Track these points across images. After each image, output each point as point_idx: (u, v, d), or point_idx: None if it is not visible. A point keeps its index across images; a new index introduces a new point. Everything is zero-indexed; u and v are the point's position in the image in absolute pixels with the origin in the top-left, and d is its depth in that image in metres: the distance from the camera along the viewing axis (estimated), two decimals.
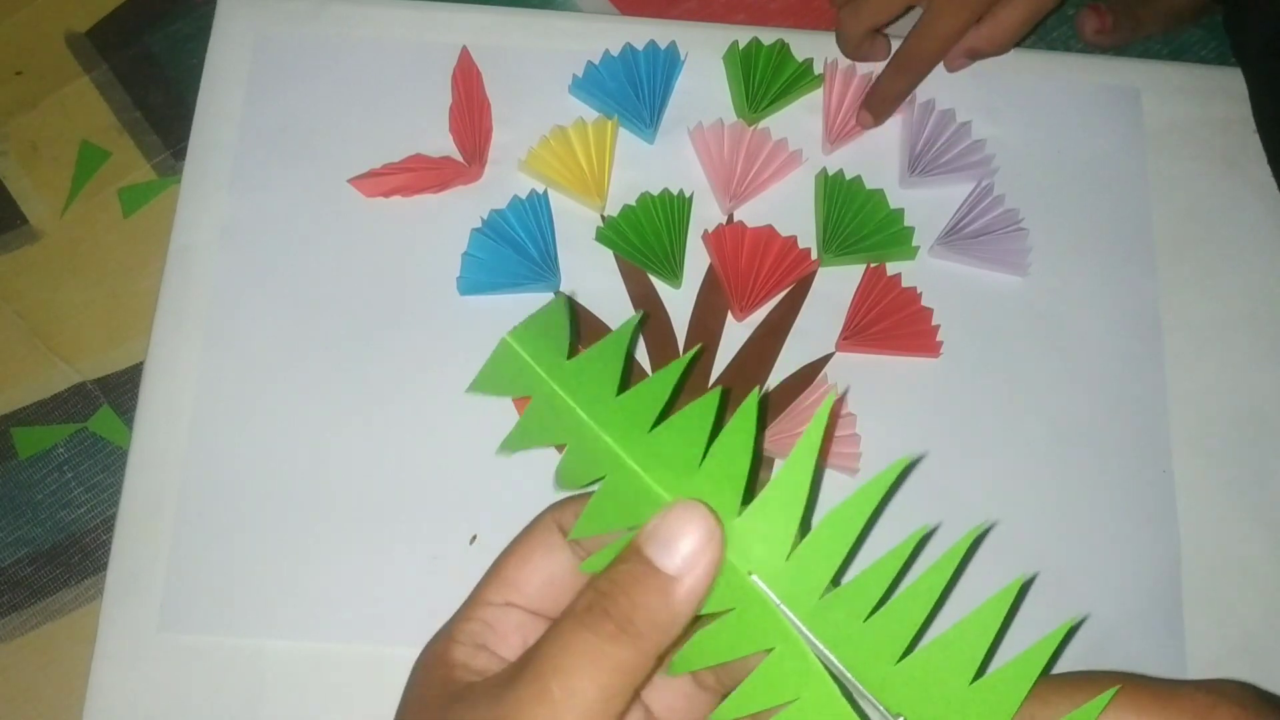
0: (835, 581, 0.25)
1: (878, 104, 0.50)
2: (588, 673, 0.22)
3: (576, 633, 0.23)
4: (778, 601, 0.25)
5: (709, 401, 0.24)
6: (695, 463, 0.25)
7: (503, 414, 0.46)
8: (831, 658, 0.24)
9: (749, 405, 0.24)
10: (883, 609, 0.25)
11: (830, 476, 0.46)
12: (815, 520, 0.25)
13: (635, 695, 0.23)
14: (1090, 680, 0.28)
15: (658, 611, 0.23)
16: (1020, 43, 0.52)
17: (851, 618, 0.25)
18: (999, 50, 0.50)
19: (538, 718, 0.22)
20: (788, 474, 0.25)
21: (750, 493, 0.25)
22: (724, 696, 0.27)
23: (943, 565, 0.25)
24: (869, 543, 0.39)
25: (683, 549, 0.23)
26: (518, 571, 0.27)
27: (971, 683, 0.25)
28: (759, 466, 0.36)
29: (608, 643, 0.23)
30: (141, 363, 0.48)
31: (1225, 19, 0.54)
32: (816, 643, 0.24)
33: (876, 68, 0.52)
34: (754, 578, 0.24)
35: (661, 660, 0.24)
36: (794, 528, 0.25)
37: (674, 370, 0.24)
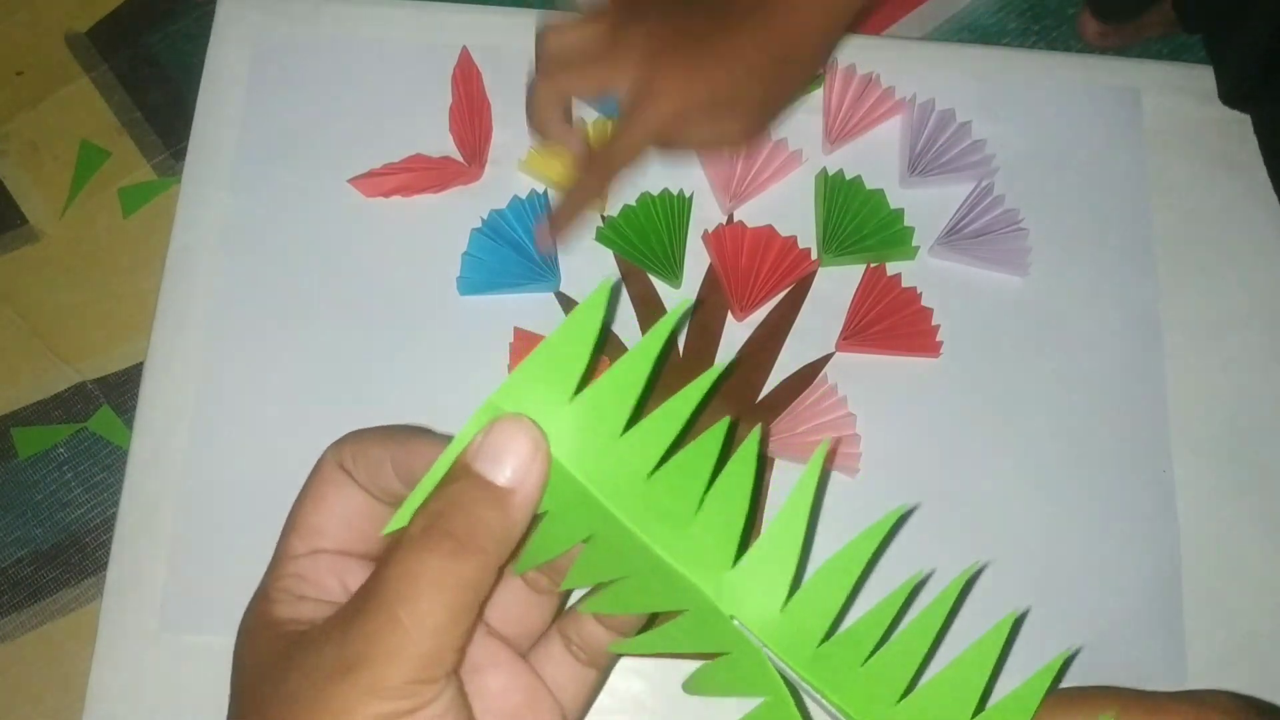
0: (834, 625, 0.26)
1: (565, 215, 0.46)
2: (434, 594, 0.22)
3: (417, 555, 0.23)
4: (771, 654, 0.25)
5: (710, 444, 0.24)
6: (691, 513, 0.25)
7: None
8: (826, 705, 0.25)
9: (748, 449, 0.24)
10: (880, 652, 0.25)
11: (831, 477, 0.46)
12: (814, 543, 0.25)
13: (481, 610, 0.24)
14: (1083, 698, 0.28)
15: (496, 525, 0.23)
16: (1024, 43, 0.51)
17: (849, 663, 0.25)
18: (676, 151, 0.46)
19: (389, 646, 0.22)
20: (782, 524, 0.25)
21: (748, 535, 0.25)
22: (560, 599, 0.29)
23: (936, 609, 0.25)
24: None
25: (512, 462, 0.23)
26: (314, 517, 0.27)
27: (972, 718, 0.25)
28: (759, 511, 0.36)
29: (450, 560, 0.23)
30: (141, 363, 0.47)
31: (1241, 74, 0.53)
32: (810, 691, 0.25)
33: (867, 59, 0.52)
34: (739, 624, 0.25)
35: (502, 572, 0.24)
36: (789, 579, 0.25)
37: (678, 415, 0.24)
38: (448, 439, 0.24)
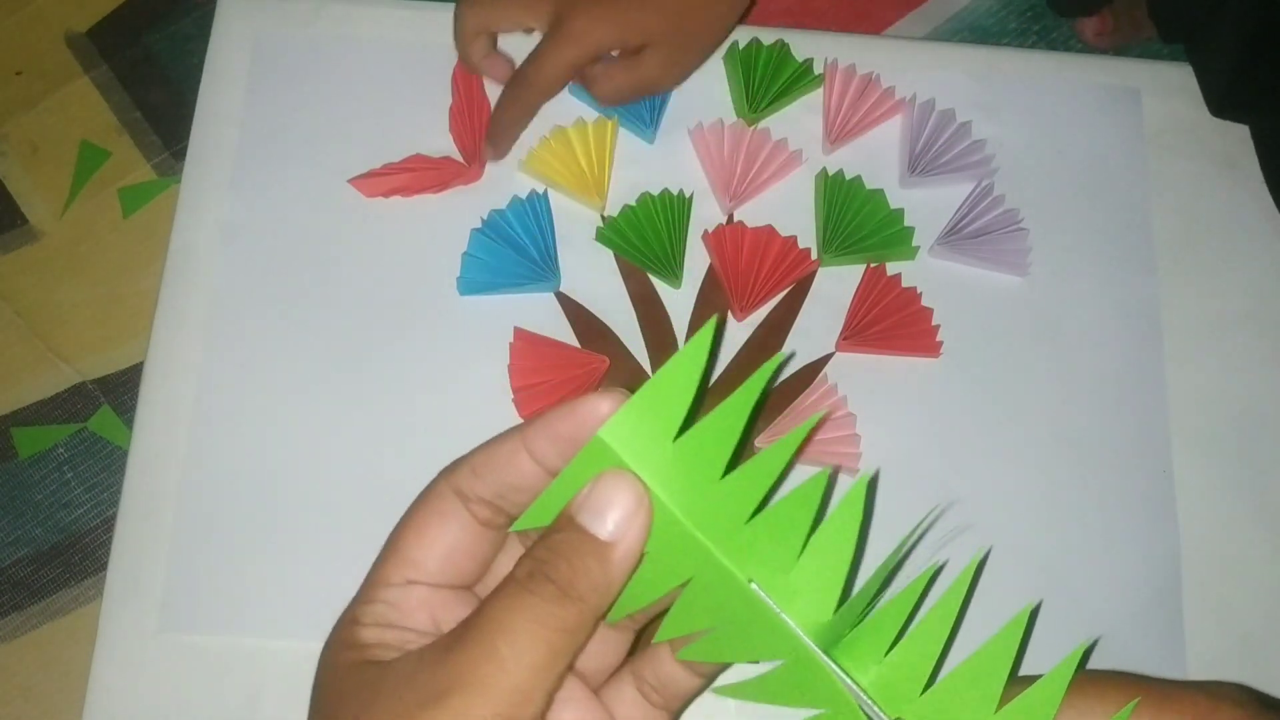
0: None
1: (495, 134, 0.49)
2: (534, 632, 0.23)
3: (521, 596, 0.24)
4: (813, 646, 0.25)
5: (813, 490, 0.24)
6: (792, 560, 0.25)
7: (502, 414, 0.46)
8: (862, 695, 0.25)
9: (854, 498, 0.25)
10: (900, 643, 0.26)
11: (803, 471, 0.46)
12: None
13: (574, 661, 0.24)
14: (1094, 683, 0.28)
15: (596, 575, 0.24)
16: (1024, 43, 0.51)
17: (873, 653, 0.26)
18: (605, 101, 0.49)
19: (485, 676, 0.23)
20: (831, 534, 0.25)
21: (851, 584, 0.26)
22: (635, 633, 0.29)
23: (951, 597, 0.26)
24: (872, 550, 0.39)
25: (615, 517, 0.24)
26: (416, 547, 0.27)
27: (996, 712, 0.25)
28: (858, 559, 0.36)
29: (552, 604, 0.24)
30: (141, 363, 0.47)
31: (1234, 75, 0.53)
32: (845, 679, 0.25)
33: (867, 59, 0.52)
34: (838, 672, 0.25)
35: (599, 622, 0.25)
36: (839, 587, 0.26)
37: (782, 453, 0.24)
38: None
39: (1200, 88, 0.53)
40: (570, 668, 0.24)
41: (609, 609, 0.25)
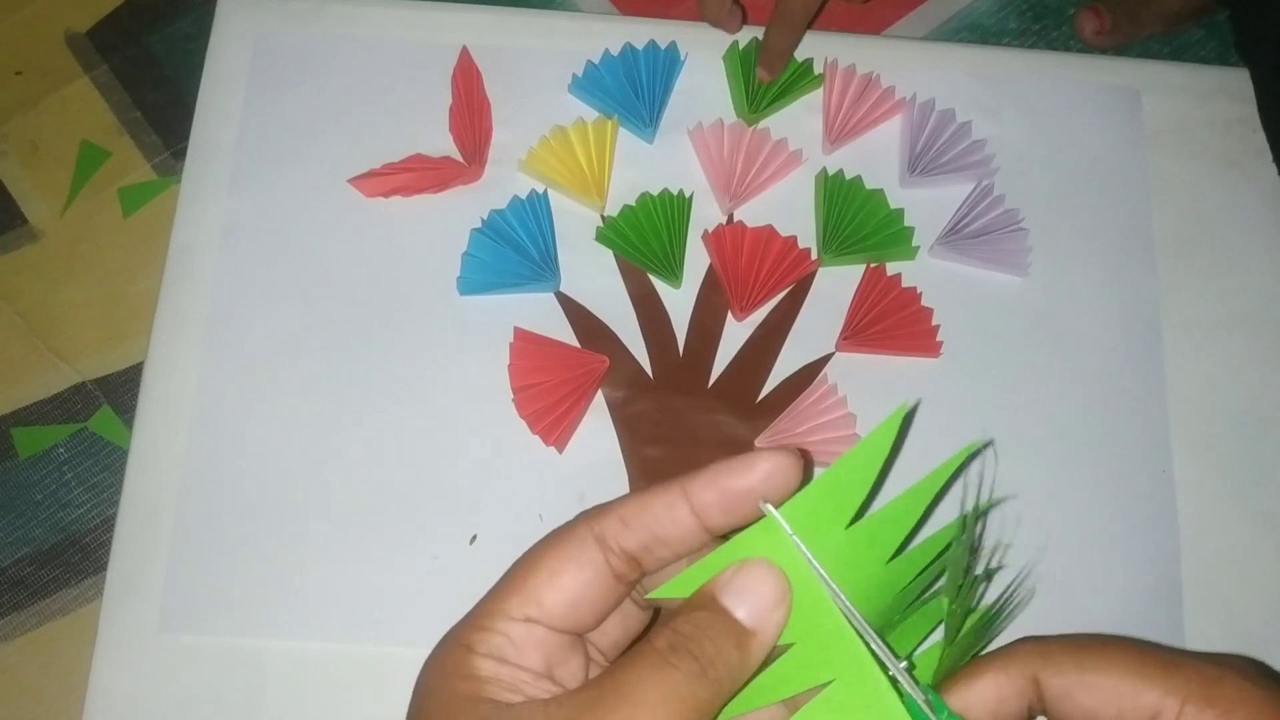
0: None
1: (772, 60, 0.51)
2: (671, 705, 0.24)
3: (663, 670, 0.24)
4: (828, 582, 0.26)
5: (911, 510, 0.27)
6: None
7: (502, 413, 0.46)
8: (873, 635, 0.26)
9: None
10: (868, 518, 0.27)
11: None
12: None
13: None
14: (1096, 642, 0.29)
15: (735, 660, 0.25)
16: (1024, 43, 0.51)
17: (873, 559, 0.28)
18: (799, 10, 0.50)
19: None
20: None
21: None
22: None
23: (934, 478, 0.29)
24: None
25: (760, 605, 0.25)
26: (546, 589, 0.26)
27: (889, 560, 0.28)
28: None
29: (691, 681, 0.24)
30: (141, 363, 0.48)
31: (1232, 15, 0.54)
32: (860, 620, 0.26)
33: (867, 59, 0.52)
34: (770, 509, 0.26)
35: (724, 708, 0.25)
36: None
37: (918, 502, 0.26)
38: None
39: (1238, 41, 0.53)
40: None
41: (740, 689, 0.25)
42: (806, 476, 0.26)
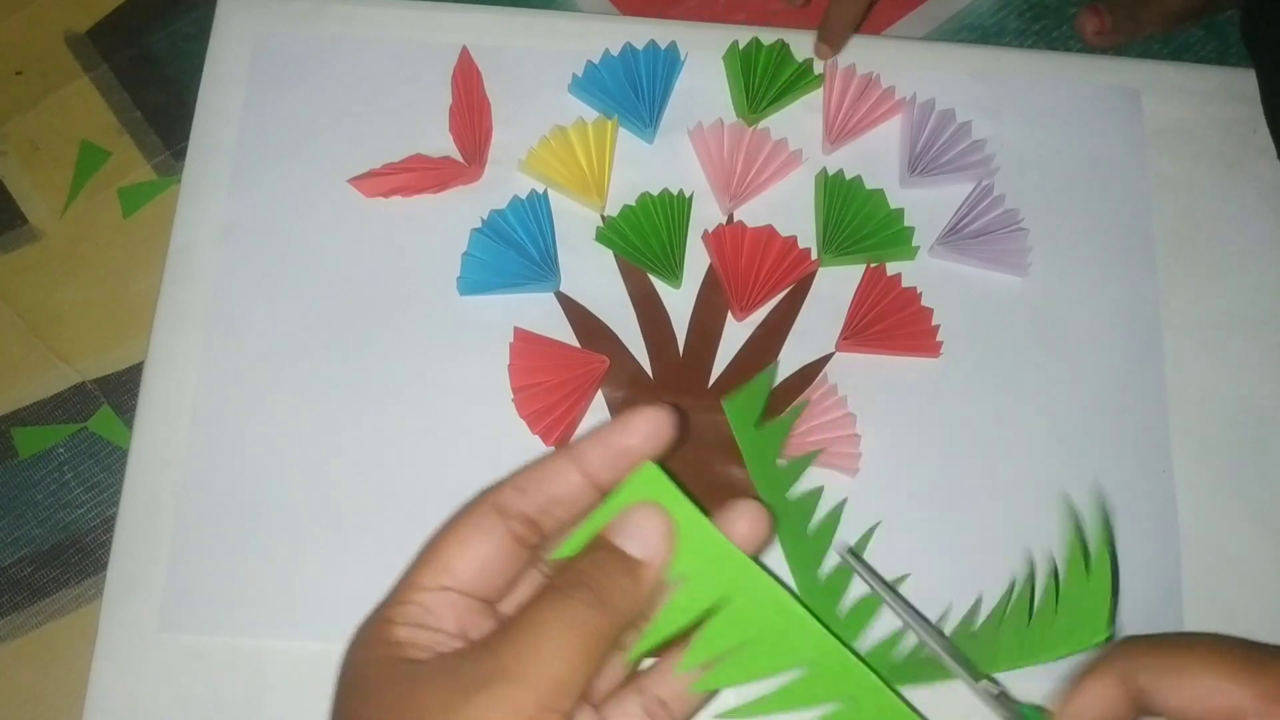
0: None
1: (833, 34, 0.51)
2: (571, 633, 0.26)
3: (562, 602, 0.26)
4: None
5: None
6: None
7: (502, 413, 0.46)
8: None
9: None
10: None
11: (830, 476, 0.46)
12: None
13: (599, 668, 0.27)
14: (1184, 641, 0.31)
15: (628, 589, 0.27)
16: (1024, 43, 0.51)
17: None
18: None
19: (530, 669, 0.25)
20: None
21: None
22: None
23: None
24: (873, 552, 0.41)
25: (647, 538, 0.28)
26: (455, 556, 0.28)
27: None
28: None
29: (588, 609, 0.26)
30: (141, 363, 0.47)
31: (1244, 10, 0.54)
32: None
33: (867, 59, 0.52)
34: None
35: (624, 633, 0.27)
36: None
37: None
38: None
39: (1245, 34, 0.54)
40: (596, 674, 0.26)
41: (634, 623, 0.28)
42: (683, 431, 0.29)
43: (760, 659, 0.29)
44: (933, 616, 0.44)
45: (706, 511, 0.28)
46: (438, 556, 0.28)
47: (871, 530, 0.45)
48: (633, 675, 0.31)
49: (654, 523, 0.28)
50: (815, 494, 0.44)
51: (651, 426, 0.28)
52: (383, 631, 0.27)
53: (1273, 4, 0.52)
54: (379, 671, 0.26)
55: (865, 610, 0.43)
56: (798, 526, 0.44)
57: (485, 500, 0.28)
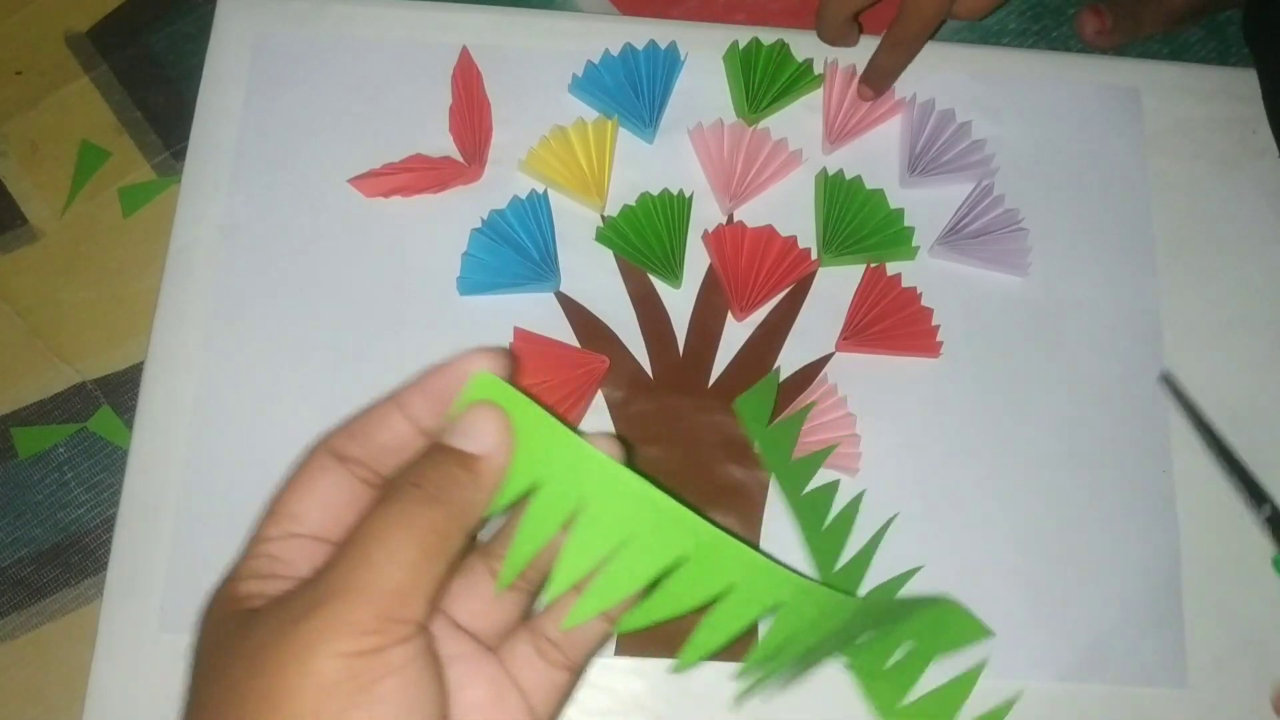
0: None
1: (877, 79, 0.51)
2: (404, 532, 0.24)
3: (388, 504, 0.25)
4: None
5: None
6: None
7: None
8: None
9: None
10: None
11: (831, 476, 0.46)
12: None
13: (451, 567, 0.25)
14: None
15: (465, 482, 0.25)
16: (1024, 43, 0.51)
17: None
18: (976, 17, 0.50)
19: (363, 580, 0.23)
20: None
21: None
22: (530, 595, 0.31)
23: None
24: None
25: (481, 432, 0.26)
26: (295, 502, 0.27)
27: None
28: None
29: (420, 506, 0.24)
30: (141, 363, 0.48)
31: (1246, 10, 0.54)
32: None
33: (867, 59, 0.52)
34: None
35: (471, 537, 0.26)
36: None
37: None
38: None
39: (1247, 32, 0.54)
40: (447, 574, 0.25)
41: (478, 518, 0.26)
42: (514, 376, 0.27)
43: (634, 565, 0.27)
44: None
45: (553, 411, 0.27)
46: (280, 507, 0.27)
47: (890, 522, 0.45)
48: (526, 621, 0.30)
49: (487, 418, 0.26)
50: (831, 487, 0.45)
51: (475, 369, 0.27)
52: (227, 592, 0.26)
53: (1274, 3, 0.52)
54: (219, 629, 0.25)
55: (877, 604, 0.43)
56: (815, 522, 0.44)
57: (320, 447, 0.27)
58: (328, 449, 0.27)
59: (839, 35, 0.52)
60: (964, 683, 0.41)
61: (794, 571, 0.28)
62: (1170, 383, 0.42)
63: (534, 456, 0.26)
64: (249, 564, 0.26)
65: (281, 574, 0.26)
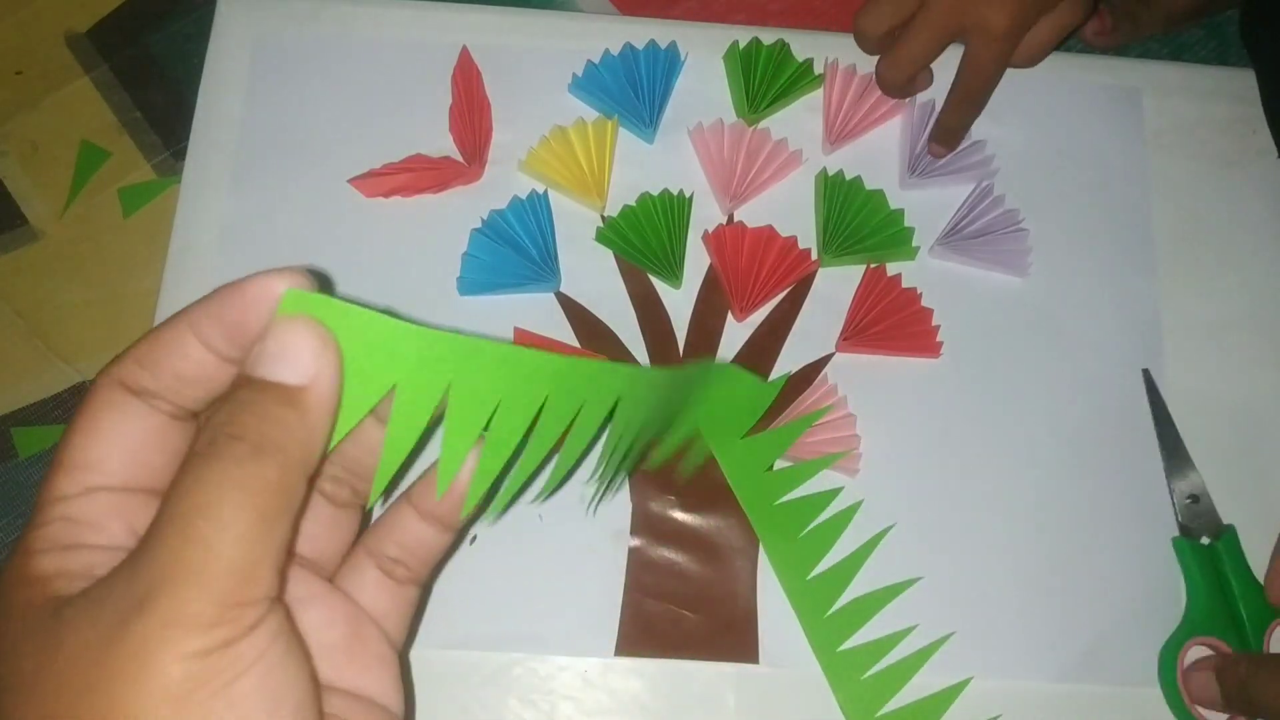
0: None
1: (948, 137, 0.51)
2: (235, 498, 0.19)
3: (208, 465, 0.20)
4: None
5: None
6: None
7: None
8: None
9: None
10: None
11: (830, 477, 0.46)
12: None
13: (295, 525, 0.21)
14: None
15: (292, 422, 0.21)
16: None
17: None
18: (1031, 64, 0.51)
19: (193, 564, 0.19)
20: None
21: None
22: (360, 514, 0.27)
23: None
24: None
25: (297, 355, 0.21)
26: (90, 448, 0.22)
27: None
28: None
29: (248, 464, 0.20)
30: None
31: (1243, 11, 0.54)
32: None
33: (867, 59, 0.52)
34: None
35: (311, 480, 0.21)
36: None
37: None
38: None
39: (1245, 35, 0.54)
40: (292, 533, 0.21)
41: (317, 460, 0.22)
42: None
43: (510, 421, 0.25)
44: (935, 620, 0.44)
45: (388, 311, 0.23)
46: (69, 455, 0.22)
47: (884, 533, 0.46)
48: (360, 539, 0.27)
49: (302, 336, 0.21)
50: (826, 496, 0.45)
51: (277, 288, 0.21)
52: (23, 566, 0.21)
53: (1272, 4, 0.52)
54: (19, 623, 0.20)
55: (857, 612, 0.44)
56: (787, 531, 0.44)
57: (105, 379, 0.22)
58: (116, 380, 0.22)
59: (907, 90, 0.52)
60: (945, 698, 0.43)
61: (625, 365, 0.28)
62: (1147, 378, 0.43)
63: (372, 365, 0.22)
64: (44, 532, 0.21)
65: (89, 541, 0.21)
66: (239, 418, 0.20)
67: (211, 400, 0.23)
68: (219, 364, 0.22)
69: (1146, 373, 0.48)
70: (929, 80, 0.52)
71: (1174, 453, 0.47)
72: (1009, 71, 0.53)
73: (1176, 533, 0.47)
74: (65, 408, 0.49)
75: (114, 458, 0.22)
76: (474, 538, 0.45)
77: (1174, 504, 0.47)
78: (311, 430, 0.21)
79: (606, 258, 0.50)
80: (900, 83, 0.50)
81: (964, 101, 0.50)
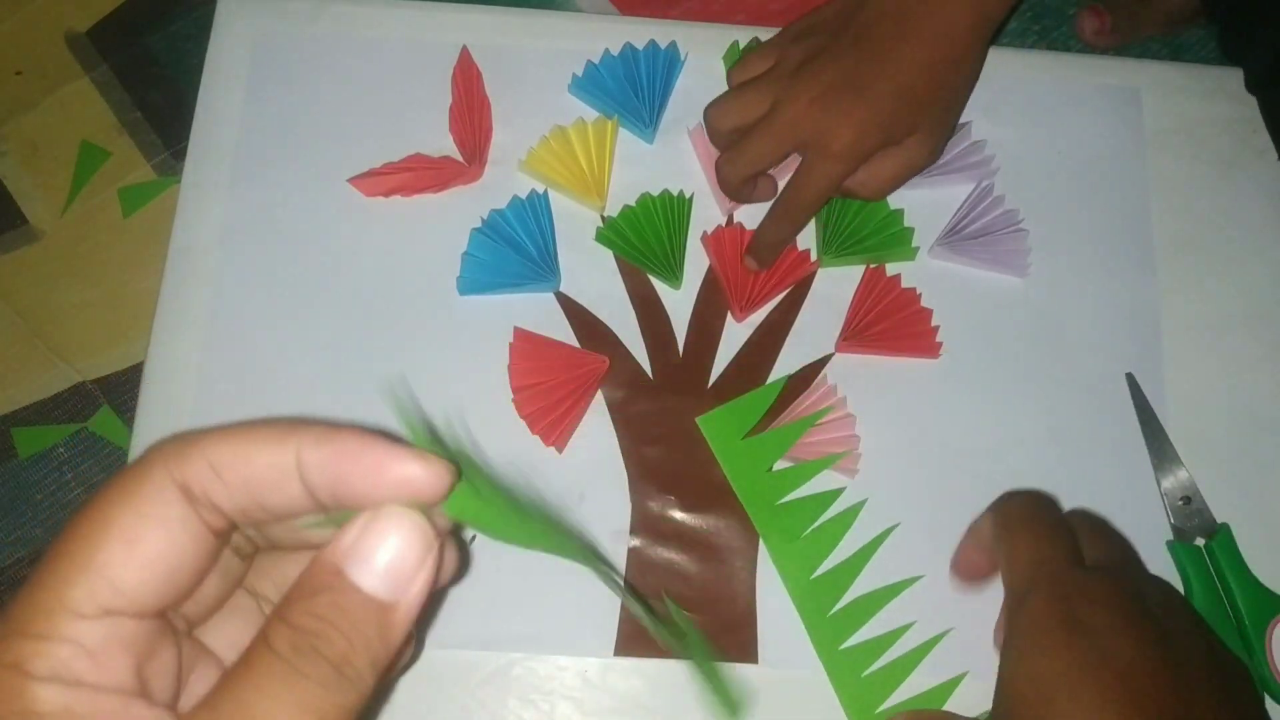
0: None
1: (762, 252, 0.48)
2: None
3: (290, 682, 0.18)
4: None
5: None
6: None
7: (502, 413, 0.46)
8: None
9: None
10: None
11: (830, 477, 0.46)
12: None
13: None
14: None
15: (376, 649, 0.19)
16: (1024, 43, 0.51)
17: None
18: (875, 197, 0.48)
19: None
20: None
21: None
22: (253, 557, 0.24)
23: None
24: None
25: (397, 567, 0.19)
26: (123, 565, 0.19)
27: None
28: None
29: (327, 690, 0.18)
30: (141, 363, 0.48)
31: (1222, 45, 0.54)
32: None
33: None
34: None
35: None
36: None
37: None
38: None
39: (1245, 64, 0.54)
40: None
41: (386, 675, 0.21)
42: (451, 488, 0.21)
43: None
44: (931, 618, 0.44)
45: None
46: (96, 562, 0.19)
47: (888, 532, 0.46)
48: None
49: (407, 541, 0.19)
50: (828, 496, 0.45)
51: (410, 483, 0.20)
52: (16, 691, 0.18)
53: (1246, 23, 0.51)
54: None
55: (858, 611, 0.44)
56: (790, 531, 0.44)
57: (164, 472, 0.20)
58: (178, 479, 0.20)
59: (743, 195, 0.49)
60: (939, 693, 0.43)
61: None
62: (1131, 382, 0.44)
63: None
64: (46, 650, 0.18)
65: (94, 681, 0.18)
66: (326, 634, 0.19)
67: (259, 519, 0.21)
68: (306, 503, 0.20)
69: (1130, 376, 0.48)
70: (772, 190, 0.49)
71: (1162, 455, 0.47)
72: (1009, 71, 0.53)
73: (1171, 535, 0.47)
74: (65, 408, 0.49)
75: (145, 583, 0.19)
76: (474, 538, 0.45)
77: (1165, 506, 0.47)
78: (390, 653, 0.20)
79: (606, 258, 0.50)
80: (736, 183, 0.47)
81: (783, 216, 0.47)
